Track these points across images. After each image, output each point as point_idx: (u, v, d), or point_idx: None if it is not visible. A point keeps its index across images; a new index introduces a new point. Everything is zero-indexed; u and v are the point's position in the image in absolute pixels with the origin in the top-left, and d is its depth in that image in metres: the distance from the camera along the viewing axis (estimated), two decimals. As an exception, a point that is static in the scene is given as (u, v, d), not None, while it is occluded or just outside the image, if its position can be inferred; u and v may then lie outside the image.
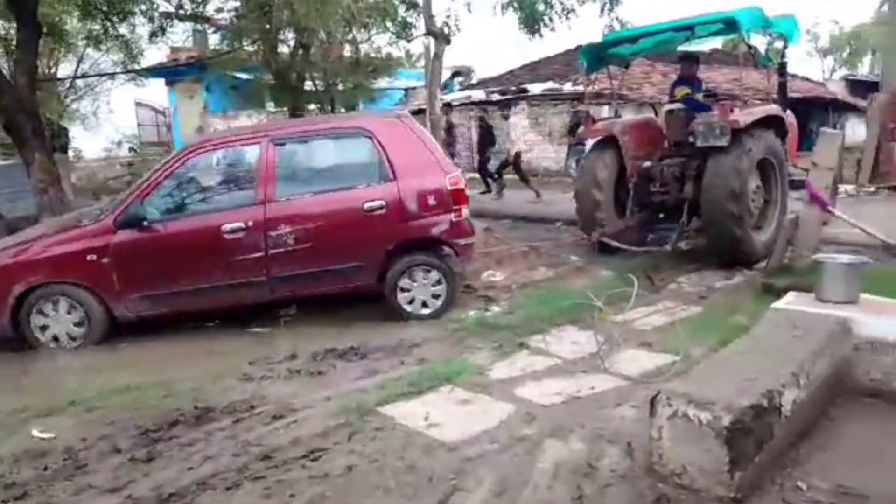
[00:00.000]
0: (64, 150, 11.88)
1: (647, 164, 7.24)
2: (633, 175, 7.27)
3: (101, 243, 5.03)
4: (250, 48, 11.49)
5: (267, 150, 5.22)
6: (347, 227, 5.21)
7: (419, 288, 5.42)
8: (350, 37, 10.02)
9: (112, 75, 13.38)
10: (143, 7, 8.83)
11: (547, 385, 3.91)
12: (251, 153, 5.29)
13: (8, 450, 3.32)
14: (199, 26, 12.53)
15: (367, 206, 5.23)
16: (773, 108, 7.04)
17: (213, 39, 14.25)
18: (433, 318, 5.37)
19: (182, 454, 3.22)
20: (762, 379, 2.67)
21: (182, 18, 9.48)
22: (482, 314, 5.46)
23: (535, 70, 21.80)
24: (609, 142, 7.32)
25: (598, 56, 7.72)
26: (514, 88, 18.16)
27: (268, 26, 10.02)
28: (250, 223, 5.07)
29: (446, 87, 25.06)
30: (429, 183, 5.34)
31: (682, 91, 7.44)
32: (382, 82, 13.48)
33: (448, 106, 14.87)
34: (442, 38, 9.62)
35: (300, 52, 11.17)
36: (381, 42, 10.86)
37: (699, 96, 7.43)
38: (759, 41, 7.38)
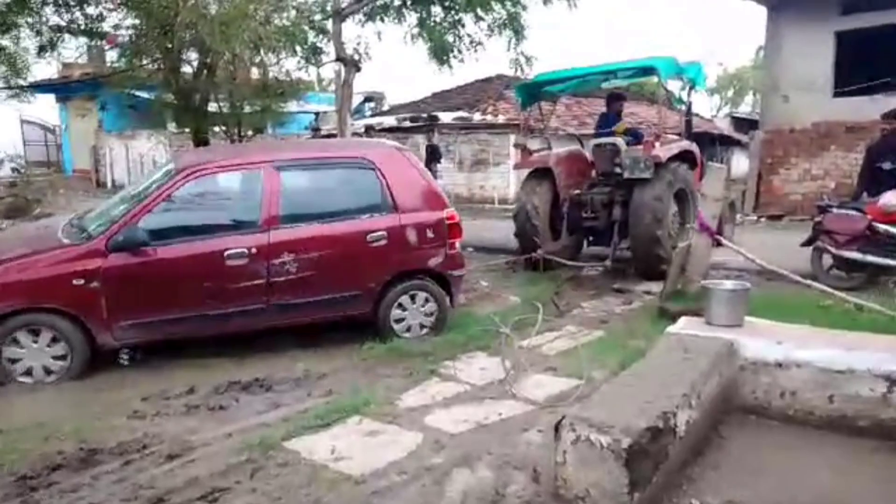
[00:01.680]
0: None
1: (576, 192, 8.02)
2: (565, 202, 8.02)
3: (91, 266, 4.62)
4: (150, 67, 11.03)
5: (270, 176, 5.10)
6: (349, 258, 5.21)
7: (413, 314, 5.53)
8: (258, 59, 9.84)
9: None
10: (30, 20, 8.30)
11: (456, 412, 3.91)
12: (253, 178, 5.14)
13: None
14: (94, 42, 11.91)
15: (369, 236, 5.26)
16: (686, 144, 7.95)
17: (111, 56, 13.63)
18: (424, 339, 5.46)
19: (63, 502, 2.97)
20: (657, 401, 2.78)
21: (75, 33, 8.98)
22: (393, 342, 5.40)
23: (445, 99, 22.18)
24: (543, 172, 8.09)
25: (531, 93, 8.66)
26: (424, 116, 18.36)
27: (169, 45, 9.66)
28: (254, 250, 4.93)
29: (357, 112, 25.09)
30: (427, 216, 5.47)
31: (621, 126, 8.17)
32: (292, 106, 13.26)
33: (371, 129, 14.84)
34: (352, 65, 9.62)
35: (204, 72, 10.83)
36: (290, 66, 10.74)
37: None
38: (673, 85, 8.47)
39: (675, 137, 8.32)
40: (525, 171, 8.64)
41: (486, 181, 17.55)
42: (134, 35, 9.68)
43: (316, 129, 13.59)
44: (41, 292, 4.56)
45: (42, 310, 4.57)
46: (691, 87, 8.33)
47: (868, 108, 11.83)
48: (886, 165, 6.70)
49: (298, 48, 9.67)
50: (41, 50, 8.97)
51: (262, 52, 9.51)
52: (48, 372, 4.62)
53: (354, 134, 14.18)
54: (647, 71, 7.90)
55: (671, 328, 3.91)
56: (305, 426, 3.70)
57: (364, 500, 2.91)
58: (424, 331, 5.57)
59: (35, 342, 4.57)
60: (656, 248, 7.17)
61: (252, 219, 5.05)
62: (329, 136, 17.46)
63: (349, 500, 2.90)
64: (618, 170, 7.57)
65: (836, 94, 12.67)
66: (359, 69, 9.77)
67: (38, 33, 8.57)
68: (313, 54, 9.89)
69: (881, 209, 6.53)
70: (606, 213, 7.72)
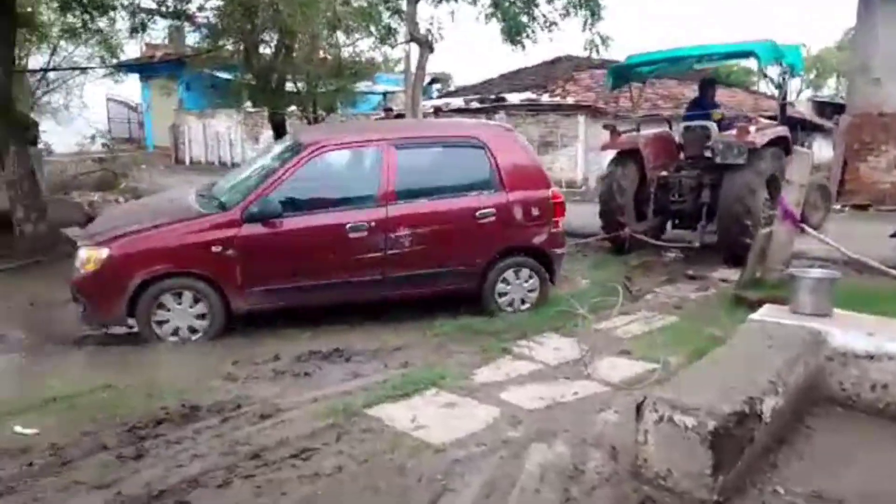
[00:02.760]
0: (34, 143, 11.62)
1: (664, 173, 8.03)
2: (652, 183, 8.04)
3: (227, 235, 4.95)
4: (231, 47, 11.41)
5: (388, 154, 5.34)
6: (460, 233, 5.45)
7: (515, 289, 5.72)
8: (333, 40, 10.03)
9: (85, 69, 13.10)
10: (125, 2, 8.74)
11: (531, 390, 3.99)
12: (373, 155, 5.41)
13: (-10, 446, 3.27)
14: (176, 23, 12.41)
15: (479, 213, 5.47)
16: (782, 130, 7.79)
17: (191, 38, 14.17)
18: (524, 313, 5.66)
19: (170, 452, 3.21)
20: (742, 386, 2.78)
21: (164, 15, 9.39)
22: (464, 320, 5.50)
23: (512, 81, 22.03)
24: (632, 153, 8.11)
25: (621, 75, 8.71)
26: (492, 97, 18.30)
27: (250, 26, 9.97)
28: (373, 223, 5.19)
29: (424, 93, 25.22)
30: (534, 194, 5.66)
31: (717, 114, 8.05)
32: (362, 86, 13.48)
33: (439, 110, 14.93)
34: (425, 46, 9.68)
35: (282, 53, 11.13)
36: (363, 46, 10.89)
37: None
38: (772, 70, 8.19)
39: (770, 122, 8.18)
40: (611, 153, 8.65)
41: (554, 163, 17.35)
42: (217, 16, 10.02)
43: (388, 109, 13.74)
44: (185, 258, 4.92)
45: (186, 274, 4.94)
46: (789, 72, 8.12)
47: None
48: None
49: (374, 28, 9.80)
50: (133, 31, 9.43)
51: (338, 32, 9.68)
52: (192, 331, 5.00)
53: (424, 115, 14.31)
54: (745, 55, 7.85)
55: (754, 315, 3.85)
56: (385, 395, 3.85)
57: (445, 467, 3.02)
58: (526, 305, 5.77)
59: (179, 304, 4.96)
60: (744, 234, 7.02)
61: (371, 194, 5.30)
62: (398, 116, 17.66)
63: (431, 468, 3.02)
64: (708, 153, 7.54)
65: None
66: (432, 50, 9.82)
67: (133, 14, 9.01)
68: (388, 35, 10.00)
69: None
70: (694, 197, 7.75)
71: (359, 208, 5.25)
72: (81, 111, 15.92)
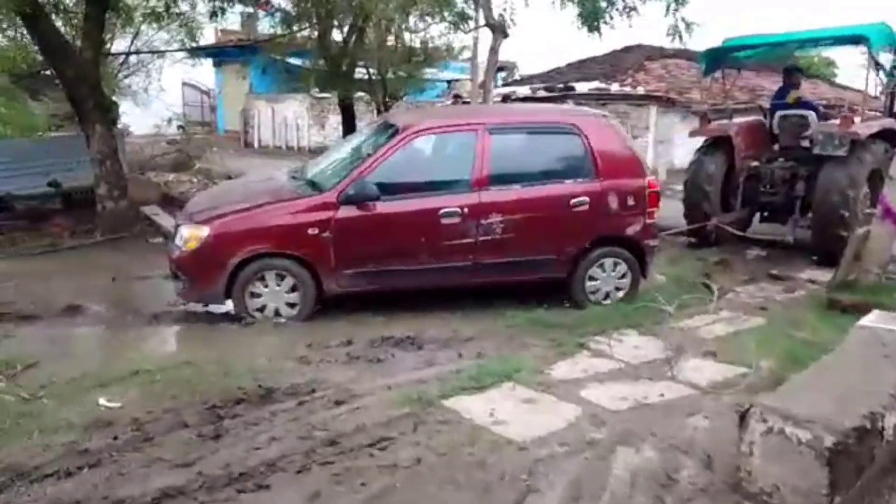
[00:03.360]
0: (115, 123, 12.04)
1: (755, 163, 7.66)
2: (742, 172, 7.71)
3: (324, 217, 4.99)
4: (305, 32, 11.50)
5: (483, 138, 5.25)
6: (552, 221, 5.34)
7: (606, 280, 5.61)
8: (405, 25, 9.96)
9: (164, 53, 13.49)
10: (206, -14, 8.91)
11: (612, 389, 3.81)
12: (467, 140, 5.33)
13: (77, 418, 3.33)
14: (249, 9, 12.59)
15: (572, 201, 5.35)
16: (888, 122, 7.33)
17: (263, 24, 14.36)
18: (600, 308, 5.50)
19: (248, 433, 3.20)
20: (860, 399, 2.55)
21: (244, 1, 9.54)
22: (535, 312, 5.35)
23: (580, 69, 21.50)
24: (722, 141, 7.79)
25: (716, 59, 8.34)
26: (560, 86, 17.92)
27: (324, 11, 9.99)
28: (466, 209, 5.14)
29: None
30: (629, 183, 5.50)
31: (793, 96, 7.78)
32: (429, 73, 13.40)
33: (507, 99, 14.70)
34: (499, 31, 9.49)
35: (353, 38, 11.14)
36: (434, 32, 10.78)
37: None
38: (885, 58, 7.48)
39: (875, 114, 7.68)
40: (696, 142, 8.33)
41: (623, 155, 16.90)
42: (293, 1, 10.09)
43: (456, 97, 13.58)
44: (283, 239, 4.97)
45: (282, 255, 4.98)
46: None
47: None
48: None
49: (447, 13, 9.67)
50: (212, 15, 9.61)
51: (411, 17, 9.60)
52: (284, 311, 5.06)
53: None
54: (855, 40, 7.26)
55: (863, 321, 3.56)
56: (461, 387, 3.75)
57: (528, 466, 2.90)
58: (616, 297, 5.63)
59: (274, 286, 5.03)
60: (841, 231, 6.62)
61: (465, 179, 5.23)
62: (465, 104, 17.50)
63: (513, 465, 2.90)
64: (805, 143, 7.22)
65: None
66: (506, 35, 9.61)
67: (212, -1, 9.18)
68: (461, 20, 9.85)
69: None
70: (787, 189, 7.37)
71: (452, 193, 5.21)
72: (158, 94, 16.38)
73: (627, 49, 21.49)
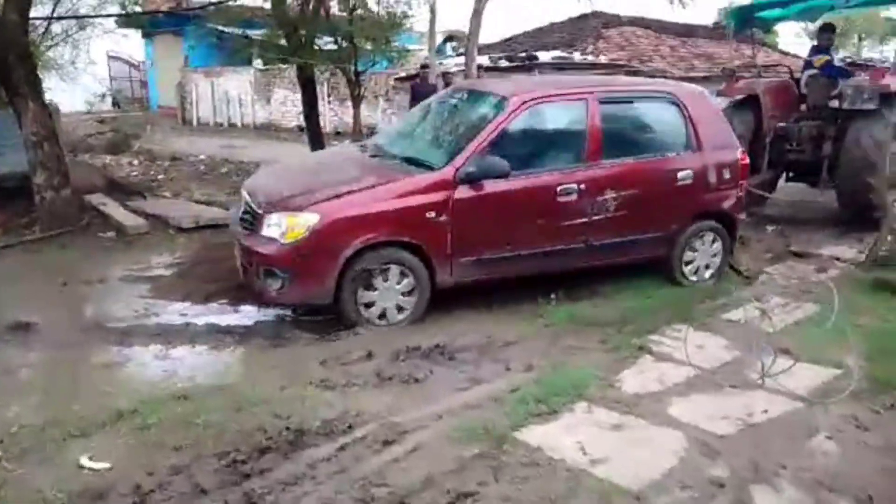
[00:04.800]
0: (41, 101, 10.66)
1: (782, 124, 7.38)
2: (769, 132, 7.46)
3: (441, 198, 4.34)
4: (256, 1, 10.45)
5: (593, 108, 4.80)
6: (660, 196, 5.01)
7: (701, 256, 5.34)
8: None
9: (93, 19, 12.09)
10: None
11: (702, 404, 3.27)
12: (578, 110, 4.85)
13: (54, 487, 2.54)
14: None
15: (679, 174, 5.05)
16: None
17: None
18: (707, 283, 5.32)
19: (288, 497, 2.49)
20: None
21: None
22: (571, 307, 4.76)
23: (537, 38, 20.95)
24: (748, 101, 7.54)
25: (744, 18, 8.18)
26: (522, 55, 17.26)
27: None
28: (582, 185, 4.70)
29: (439, 52, 24.01)
30: (725, 156, 5.27)
31: (820, 60, 7.54)
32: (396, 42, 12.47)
33: (450, 73, 13.90)
34: (480, -8, 8.77)
35: (312, 4, 10.17)
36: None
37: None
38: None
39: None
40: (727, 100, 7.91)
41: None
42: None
43: (424, 66, 12.72)
44: (401, 224, 4.31)
45: (397, 244, 4.31)
46: None
47: None
48: None
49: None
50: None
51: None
52: (400, 310, 4.42)
53: (444, 74, 13.31)
54: None
55: None
56: (529, 413, 3.13)
57: (657, 523, 2.32)
58: (708, 273, 5.38)
59: (386, 281, 4.35)
60: (869, 186, 6.53)
61: (578, 153, 4.79)
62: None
63: (638, 523, 2.31)
64: (834, 103, 6.98)
65: None
66: (489, -2, 8.89)
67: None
68: (437, -18, 9.04)
69: None
70: (813, 147, 7.23)
71: (566, 169, 4.73)
72: (87, 68, 14.85)
73: (583, 17, 20.99)
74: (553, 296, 4.92)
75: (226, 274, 5.58)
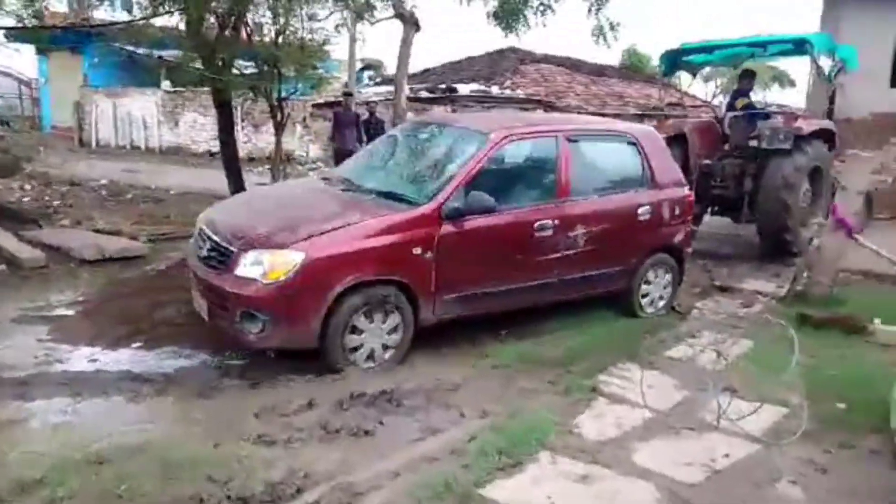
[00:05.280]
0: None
1: (707, 161, 7.90)
2: (695, 170, 7.87)
3: (427, 234, 4.22)
4: (166, 19, 9.88)
5: (563, 146, 4.89)
6: (624, 231, 5.17)
7: (655, 288, 5.54)
8: (297, 13, 8.78)
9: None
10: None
11: (663, 450, 3.20)
12: (549, 147, 4.91)
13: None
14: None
15: (639, 210, 5.23)
16: (827, 123, 7.90)
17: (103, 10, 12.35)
18: (660, 315, 5.54)
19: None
20: None
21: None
22: (517, 346, 4.64)
23: (456, 70, 21.28)
24: (676, 139, 7.92)
25: (673, 61, 8.63)
26: (442, 87, 17.40)
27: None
28: (556, 221, 4.75)
29: (358, 80, 23.86)
30: (676, 193, 5.53)
31: (742, 102, 8.10)
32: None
33: (374, 102, 13.73)
34: (411, 23, 8.67)
35: (231, 27, 9.76)
36: (329, 25, 9.66)
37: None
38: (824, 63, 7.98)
39: (814, 115, 8.24)
40: None
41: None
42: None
43: (348, 94, 12.45)
44: (388, 261, 4.14)
45: (384, 282, 4.14)
46: (841, 68, 8.02)
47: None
48: None
49: (351, 1, 8.66)
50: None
51: (307, 4, 8.48)
52: (385, 349, 4.24)
53: (369, 102, 13.17)
54: (799, 46, 7.77)
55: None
56: (491, 466, 2.94)
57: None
58: (661, 304, 5.59)
59: (371, 322, 4.17)
60: (785, 218, 7.18)
61: (550, 189, 4.85)
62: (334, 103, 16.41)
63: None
64: (753, 143, 7.50)
65: (894, 85, 12.13)
66: (418, 28, 8.82)
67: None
68: (366, 9, 8.86)
69: None
70: (735, 184, 7.73)
71: (541, 205, 4.77)
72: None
73: (501, 52, 21.55)
74: (504, 332, 4.81)
75: (139, 313, 5.15)
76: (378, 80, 26.29)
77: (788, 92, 34.20)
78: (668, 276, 5.58)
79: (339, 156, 12.12)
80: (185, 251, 4.97)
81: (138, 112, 20.48)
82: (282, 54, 8.21)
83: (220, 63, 9.60)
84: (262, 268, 3.91)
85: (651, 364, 4.34)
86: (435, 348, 4.50)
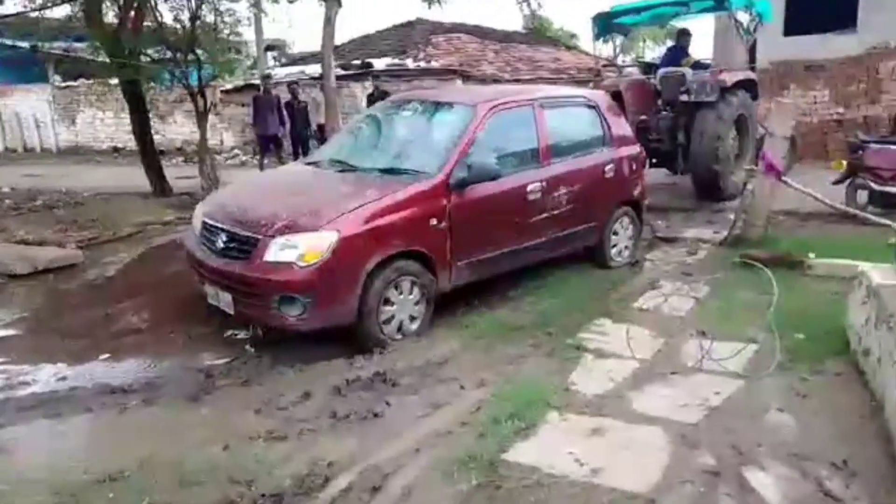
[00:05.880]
0: None
1: (643, 117, 8.31)
2: (632, 126, 8.10)
3: (440, 205, 4.40)
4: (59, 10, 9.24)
5: (539, 113, 5.21)
6: (595, 189, 5.50)
7: (621, 239, 5.95)
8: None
9: None
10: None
11: (661, 396, 3.39)
12: (528, 115, 5.19)
13: None
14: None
15: (606, 168, 5.61)
16: (751, 73, 8.43)
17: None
18: (629, 265, 5.96)
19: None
20: None
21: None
22: (492, 315, 4.75)
23: (366, 45, 20.88)
24: (613, 97, 8.06)
25: (606, 24, 9.00)
26: (357, 62, 17.09)
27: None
28: (543, 184, 5.04)
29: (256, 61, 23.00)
30: (632, 150, 5.97)
31: (689, 61, 8.53)
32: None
33: (295, 83, 13.32)
34: (333, 1, 8.43)
35: (130, 16, 9.26)
36: (241, 7, 9.27)
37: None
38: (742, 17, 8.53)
39: (740, 67, 8.68)
40: None
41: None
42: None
43: (266, 77, 12.00)
44: (411, 234, 4.29)
45: (407, 255, 4.29)
46: (758, 21, 8.47)
47: (818, 48, 12.16)
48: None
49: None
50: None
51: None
52: (412, 319, 4.40)
53: (292, 84, 12.82)
54: (720, 2, 8.15)
55: (877, 280, 3.53)
56: (509, 432, 3.03)
57: (683, 523, 2.34)
58: (627, 254, 6.00)
59: (400, 294, 4.32)
60: (715, 164, 7.75)
61: (535, 154, 5.12)
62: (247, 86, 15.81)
63: (667, 527, 2.32)
64: (684, 97, 7.97)
65: (787, 34, 12.92)
66: (340, 5, 8.59)
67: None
68: (283, -11, 8.55)
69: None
70: (670, 137, 8.22)
71: (527, 170, 5.04)
72: None
73: (409, 24, 21.33)
74: (476, 303, 4.91)
75: (94, 324, 4.91)
76: (283, 60, 25.50)
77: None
78: (632, 228, 6.02)
79: (262, 142, 11.79)
80: (187, 243, 4.84)
81: (28, 111, 18.98)
82: (202, 37, 7.80)
83: (126, 51, 9.12)
84: (297, 251, 3.95)
85: (623, 317, 4.54)
86: (415, 326, 4.52)
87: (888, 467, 2.65)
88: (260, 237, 4.06)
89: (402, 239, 4.25)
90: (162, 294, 5.40)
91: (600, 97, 6.08)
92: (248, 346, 4.38)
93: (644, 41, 44.43)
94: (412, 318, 4.39)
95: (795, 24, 12.85)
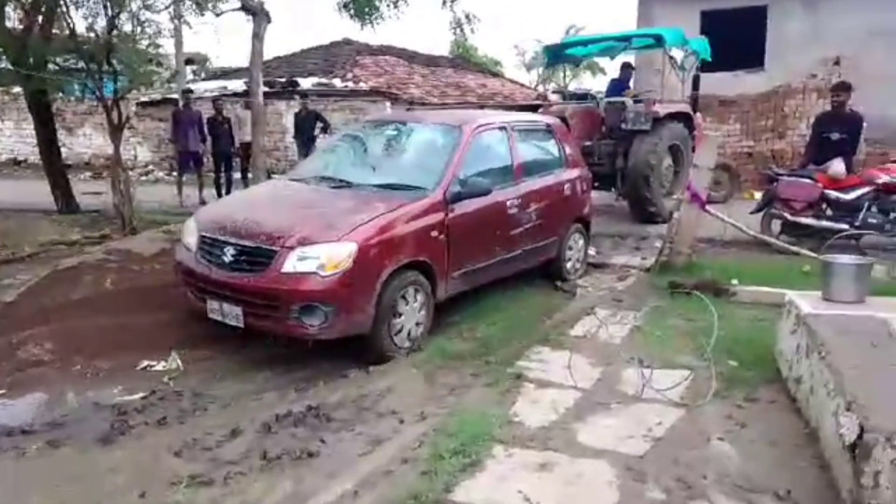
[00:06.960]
0: None
1: (588, 143, 8.79)
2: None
3: (440, 218, 4.69)
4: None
5: (512, 136, 5.67)
6: (557, 206, 5.93)
7: (574, 254, 6.41)
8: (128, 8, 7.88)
9: None
10: None
11: (603, 426, 3.34)
12: (502, 137, 5.64)
13: None
14: None
15: (564, 187, 6.08)
16: (684, 106, 9.02)
17: None
18: (580, 276, 6.46)
19: None
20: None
21: None
22: (432, 341, 4.61)
23: (292, 64, 20.51)
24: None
25: (556, 54, 9.76)
26: (282, 80, 16.73)
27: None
28: (519, 200, 5.43)
29: (178, 74, 22.17)
30: (581, 171, 6.50)
31: (630, 93, 9.15)
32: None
33: (220, 99, 12.86)
34: (262, 15, 8.15)
35: (42, 21, 8.69)
36: (164, 18, 8.82)
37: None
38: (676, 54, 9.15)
39: (676, 101, 9.19)
40: None
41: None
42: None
43: (187, 91, 11.48)
44: (417, 245, 4.50)
45: (412, 265, 4.48)
46: (695, 57, 9.15)
47: (731, 84, 12.89)
48: (834, 136, 7.13)
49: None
50: None
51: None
52: (418, 325, 4.59)
53: (216, 99, 12.41)
54: (657, 39, 8.70)
55: (804, 310, 3.65)
56: (451, 469, 2.89)
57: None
58: (579, 267, 6.50)
59: (407, 304, 4.49)
60: (646, 189, 8.34)
61: (510, 173, 5.52)
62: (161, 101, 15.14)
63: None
64: (623, 125, 8.50)
65: (702, 70, 13.62)
66: (269, 20, 8.32)
67: None
68: (206, 1, 8.19)
69: (830, 177, 6.97)
70: (610, 162, 8.76)
71: (506, 186, 5.39)
72: None
73: (336, 44, 21.17)
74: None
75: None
76: (203, 75, 24.74)
77: (600, 78, 37.64)
78: (582, 242, 6.53)
79: (182, 158, 11.24)
80: (181, 258, 4.74)
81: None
82: (119, 46, 7.34)
83: (37, 61, 8.52)
84: (318, 261, 4.04)
85: (561, 344, 4.52)
86: (342, 356, 4.32)
87: (828, 495, 2.68)
88: (277, 249, 4.11)
89: (411, 250, 4.45)
90: (69, 322, 4.93)
91: (555, 122, 6.57)
92: (165, 379, 4.05)
93: (565, 72, 46.24)
94: (417, 325, 4.57)
95: (710, 62, 13.61)
